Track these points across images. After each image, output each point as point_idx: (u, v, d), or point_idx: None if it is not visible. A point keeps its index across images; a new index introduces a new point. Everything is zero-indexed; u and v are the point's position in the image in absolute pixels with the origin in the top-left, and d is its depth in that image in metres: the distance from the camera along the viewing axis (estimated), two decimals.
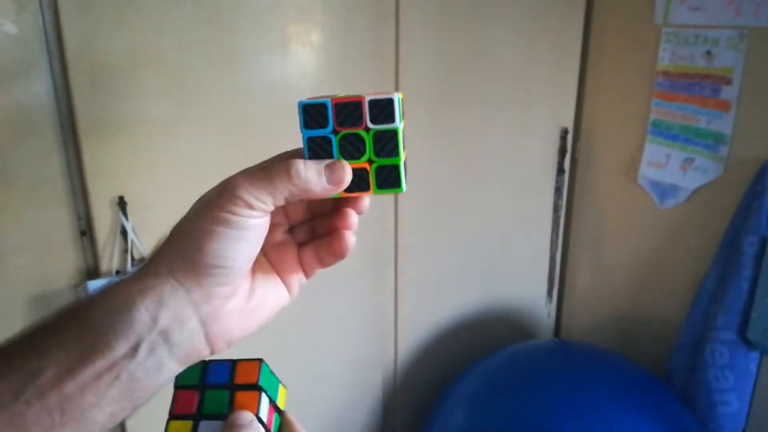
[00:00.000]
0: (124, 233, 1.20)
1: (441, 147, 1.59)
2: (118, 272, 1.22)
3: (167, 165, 1.23)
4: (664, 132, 1.59)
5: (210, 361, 0.41)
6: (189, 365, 0.38)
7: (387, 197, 1.54)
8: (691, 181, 1.56)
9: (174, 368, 0.37)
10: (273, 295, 0.42)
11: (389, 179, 0.39)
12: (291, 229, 0.45)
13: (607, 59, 1.70)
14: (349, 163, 0.39)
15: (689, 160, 1.55)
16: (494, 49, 1.59)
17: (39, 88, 1.11)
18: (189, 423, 0.40)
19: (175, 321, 0.36)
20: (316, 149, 0.38)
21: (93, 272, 1.22)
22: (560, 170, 1.80)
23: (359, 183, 0.39)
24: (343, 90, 1.48)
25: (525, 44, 1.62)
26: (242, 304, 0.40)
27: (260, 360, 0.41)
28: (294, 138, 1.40)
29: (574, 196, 1.86)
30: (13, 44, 1.07)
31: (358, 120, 0.38)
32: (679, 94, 1.54)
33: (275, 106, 1.32)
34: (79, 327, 0.35)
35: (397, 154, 0.38)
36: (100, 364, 0.34)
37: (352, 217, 0.43)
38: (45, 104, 1.12)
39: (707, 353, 1.46)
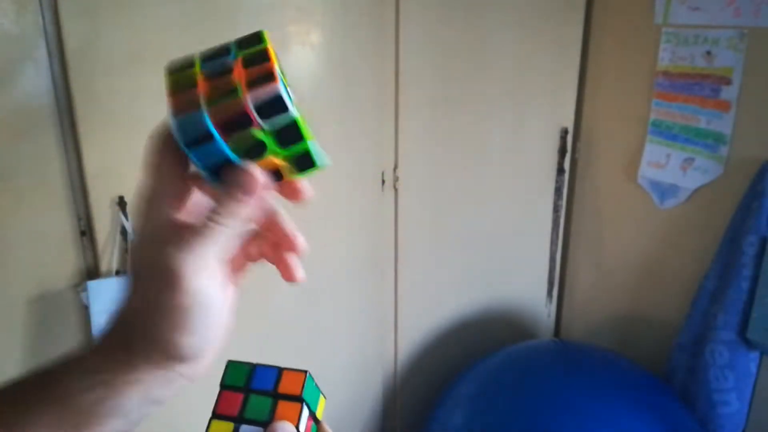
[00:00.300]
0: (124, 233, 1.20)
1: (441, 147, 1.59)
2: (118, 272, 1.22)
3: None
4: (664, 132, 1.59)
5: (257, 364, 0.41)
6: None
7: (388, 197, 1.54)
8: (691, 181, 1.56)
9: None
10: (229, 306, 0.40)
11: (304, 164, 0.36)
12: None
13: (607, 59, 1.70)
14: (255, 162, 0.35)
15: (689, 160, 1.55)
16: (494, 49, 1.59)
17: (39, 88, 1.10)
18: (230, 425, 0.40)
19: (164, 393, 0.36)
20: (215, 169, 0.34)
21: (93, 272, 1.22)
22: (560, 170, 1.80)
23: (274, 176, 0.36)
24: (343, 89, 1.46)
25: (525, 44, 1.62)
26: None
27: (306, 372, 0.41)
28: None
29: (574, 196, 1.86)
30: (13, 44, 1.07)
31: (247, 125, 0.34)
32: (679, 94, 1.54)
33: None
34: (60, 409, 0.33)
35: (302, 140, 0.35)
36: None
37: (292, 239, 0.40)
38: (45, 104, 1.12)
39: (707, 353, 1.46)
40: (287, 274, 0.40)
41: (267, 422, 0.39)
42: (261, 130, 0.34)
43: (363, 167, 1.50)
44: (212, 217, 0.34)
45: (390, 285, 1.63)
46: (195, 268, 0.33)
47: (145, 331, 0.34)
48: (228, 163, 0.34)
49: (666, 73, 1.56)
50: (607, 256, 1.83)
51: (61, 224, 1.18)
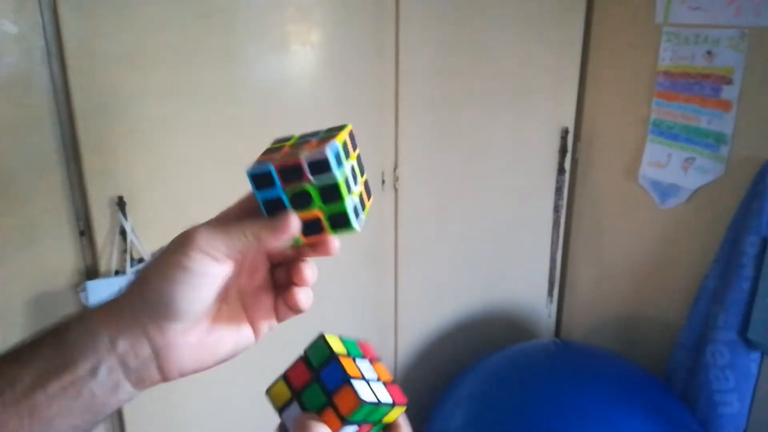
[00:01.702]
0: (123, 233, 1.20)
1: (441, 147, 1.59)
2: (117, 272, 1.22)
3: (166, 165, 1.23)
4: (665, 132, 1.59)
5: (337, 354, 0.43)
6: (147, 387, 0.42)
7: (388, 197, 1.54)
8: (692, 180, 1.56)
9: (130, 390, 0.41)
10: (233, 336, 0.45)
11: (340, 222, 0.42)
12: (274, 270, 0.48)
13: (607, 59, 1.70)
14: (302, 213, 0.42)
15: (690, 160, 1.55)
16: (495, 49, 1.58)
17: (38, 87, 1.10)
18: (288, 395, 0.43)
19: (131, 349, 0.40)
20: (271, 207, 0.42)
21: (92, 272, 1.22)
22: (561, 170, 1.80)
23: (315, 228, 0.43)
24: (343, 89, 1.46)
25: (525, 44, 1.62)
26: (197, 341, 0.42)
27: (361, 401, 0.41)
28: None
29: (575, 196, 1.86)
30: (12, 44, 1.07)
31: (300, 177, 0.41)
32: (679, 94, 1.54)
33: (275, 106, 1.32)
34: (55, 344, 0.40)
35: (341, 201, 0.42)
36: (66, 379, 0.39)
37: (306, 271, 0.46)
38: (44, 104, 1.11)
39: (708, 353, 1.46)
40: (292, 302, 0.46)
41: (312, 415, 0.41)
42: (310, 184, 0.41)
43: None
44: (244, 226, 0.41)
45: (390, 285, 1.63)
46: (206, 242, 0.40)
47: (143, 277, 0.41)
48: (280, 204, 0.42)
49: (667, 73, 1.56)
50: (607, 256, 1.83)
51: (60, 224, 1.18)
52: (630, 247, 1.76)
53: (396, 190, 1.54)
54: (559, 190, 1.82)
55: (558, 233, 1.87)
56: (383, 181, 1.52)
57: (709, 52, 1.47)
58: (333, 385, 0.42)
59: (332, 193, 0.41)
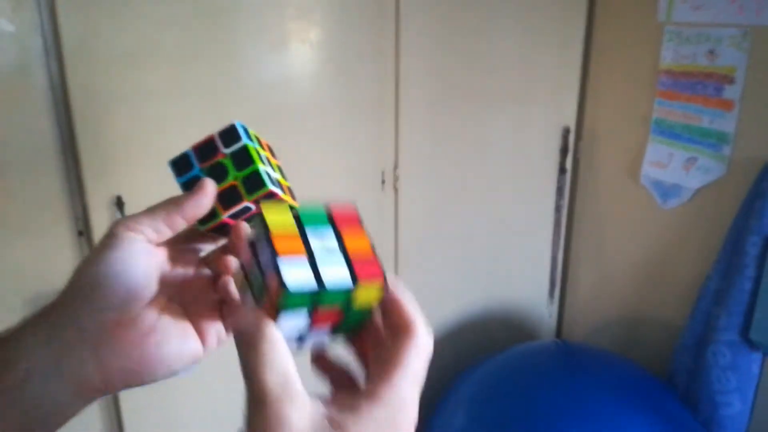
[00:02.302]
0: None
1: (442, 146, 1.59)
2: None
3: (165, 164, 1.22)
4: (667, 131, 1.58)
5: (270, 232, 0.36)
6: (85, 399, 0.39)
7: (388, 197, 1.53)
8: (694, 180, 1.55)
9: (69, 400, 0.38)
10: (178, 341, 0.41)
11: (255, 184, 0.44)
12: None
13: (609, 58, 1.69)
14: (220, 186, 0.44)
15: (692, 160, 1.54)
16: (495, 48, 1.58)
17: (36, 86, 1.10)
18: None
19: (66, 348, 0.37)
20: (190, 186, 0.45)
21: None
22: (562, 170, 1.79)
23: (233, 197, 0.44)
24: (343, 89, 1.46)
25: (526, 43, 1.61)
26: (137, 339, 0.39)
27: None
28: (291, 137, 1.39)
29: (576, 195, 1.85)
30: (10, 42, 1.06)
31: (215, 152, 0.46)
32: (681, 93, 1.54)
33: (274, 105, 1.32)
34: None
35: (253, 163, 0.45)
36: None
37: (228, 258, 0.44)
38: (42, 103, 1.11)
39: (709, 354, 1.46)
40: (223, 292, 0.44)
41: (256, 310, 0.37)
42: (224, 157, 0.46)
43: (363, 167, 1.49)
44: (165, 201, 0.43)
45: None
46: (131, 220, 0.41)
47: (75, 273, 0.40)
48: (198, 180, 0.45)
49: (668, 72, 1.55)
50: (609, 256, 1.82)
51: (58, 224, 1.17)
52: (631, 248, 1.75)
53: (396, 190, 1.54)
54: (560, 190, 1.81)
55: (559, 233, 1.86)
56: (383, 181, 1.51)
57: (711, 52, 1.46)
58: (266, 265, 0.35)
59: (243, 158, 0.45)
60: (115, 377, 0.39)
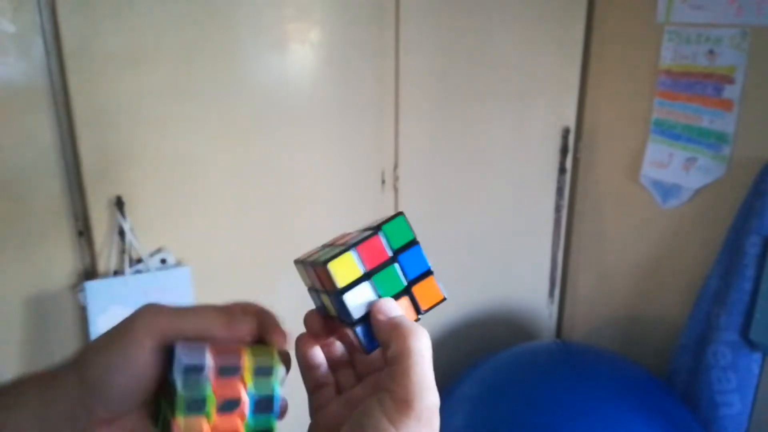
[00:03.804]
0: (121, 233, 1.19)
1: (441, 146, 1.59)
2: (116, 272, 1.21)
3: (165, 164, 1.22)
4: (667, 131, 1.58)
5: (418, 243, 0.40)
6: None
7: (388, 197, 1.53)
8: (694, 180, 1.55)
9: None
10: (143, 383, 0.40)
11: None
12: None
13: (609, 58, 1.69)
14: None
15: (692, 160, 1.54)
16: (495, 48, 1.58)
17: (36, 86, 1.10)
18: (358, 272, 0.38)
19: (54, 428, 0.37)
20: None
21: (91, 273, 1.22)
22: (562, 170, 1.79)
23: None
24: (343, 89, 1.44)
25: (526, 43, 1.61)
26: None
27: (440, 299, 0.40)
28: (291, 138, 1.39)
29: (576, 195, 1.85)
30: (10, 43, 1.06)
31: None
32: (681, 93, 1.54)
33: (274, 105, 1.32)
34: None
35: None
36: None
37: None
38: (42, 104, 1.11)
39: (709, 354, 1.46)
40: None
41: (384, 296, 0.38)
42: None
43: (363, 167, 1.49)
44: (199, 318, 0.39)
45: None
46: (151, 325, 0.37)
47: (97, 340, 0.38)
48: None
49: (668, 72, 1.55)
50: (608, 256, 1.82)
51: (58, 224, 1.17)
52: (631, 248, 1.75)
53: (396, 190, 1.54)
54: (560, 190, 1.81)
55: (559, 233, 1.86)
56: (383, 181, 1.51)
57: (710, 52, 1.47)
58: (414, 272, 0.38)
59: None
60: None
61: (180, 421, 0.35)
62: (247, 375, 0.37)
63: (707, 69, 1.48)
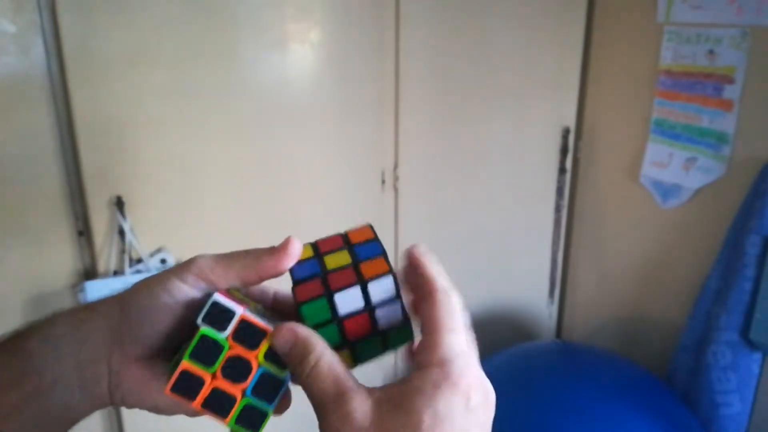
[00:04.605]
0: (121, 233, 1.19)
1: (442, 147, 1.59)
2: (116, 272, 1.21)
3: (165, 164, 1.22)
4: (667, 131, 1.58)
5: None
6: (98, 408, 0.39)
7: (388, 197, 1.53)
8: (694, 180, 1.55)
9: (83, 409, 0.38)
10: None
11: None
12: None
13: (609, 58, 1.69)
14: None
15: (692, 160, 1.54)
16: (495, 48, 1.58)
17: (37, 86, 1.10)
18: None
19: (90, 364, 0.37)
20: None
21: (91, 272, 1.22)
22: (562, 170, 1.79)
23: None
24: (343, 89, 1.45)
25: (526, 43, 1.61)
26: (147, 378, 0.39)
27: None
28: (292, 138, 1.39)
29: (576, 195, 1.85)
30: (11, 43, 1.07)
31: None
32: (681, 93, 1.54)
33: (274, 105, 1.32)
34: (12, 355, 0.37)
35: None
36: (23, 392, 0.36)
37: None
38: (42, 104, 1.11)
39: (709, 354, 1.46)
40: None
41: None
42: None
43: (363, 167, 1.49)
44: (243, 254, 0.40)
45: None
46: (200, 271, 0.38)
47: (134, 286, 0.39)
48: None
49: (668, 72, 1.55)
50: (608, 256, 1.82)
51: (58, 224, 1.17)
52: (631, 248, 1.75)
53: (396, 190, 1.54)
54: (560, 190, 1.81)
55: (559, 233, 1.86)
56: (383, 181, 1.51)
57: (710, 52, 1.47)
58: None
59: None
60: (123, 401, 0.39)
61: (187, 364, 0.36)
62: (263, 350, 0.37)
63: (707, 69, 1.48)
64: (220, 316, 0.36)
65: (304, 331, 0.36)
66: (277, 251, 0.39)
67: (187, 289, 0.38)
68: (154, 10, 1.15)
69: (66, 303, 1.21)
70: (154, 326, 0.38)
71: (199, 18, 1.20)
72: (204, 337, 0.36)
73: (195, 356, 0.36)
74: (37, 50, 1.09)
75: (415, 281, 0.40)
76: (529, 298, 1.90)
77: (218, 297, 0.36)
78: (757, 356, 1.42)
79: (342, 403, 0.34)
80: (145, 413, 0.41)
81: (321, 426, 0.34)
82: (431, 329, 0.36)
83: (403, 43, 1.43)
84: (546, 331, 1.96)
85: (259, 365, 0.37)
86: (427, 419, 0.33)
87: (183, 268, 0.38)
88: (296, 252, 0.39)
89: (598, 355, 1.60)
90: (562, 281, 1.94)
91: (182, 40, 1.19)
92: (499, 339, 1.79)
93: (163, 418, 0.42)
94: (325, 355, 0.36)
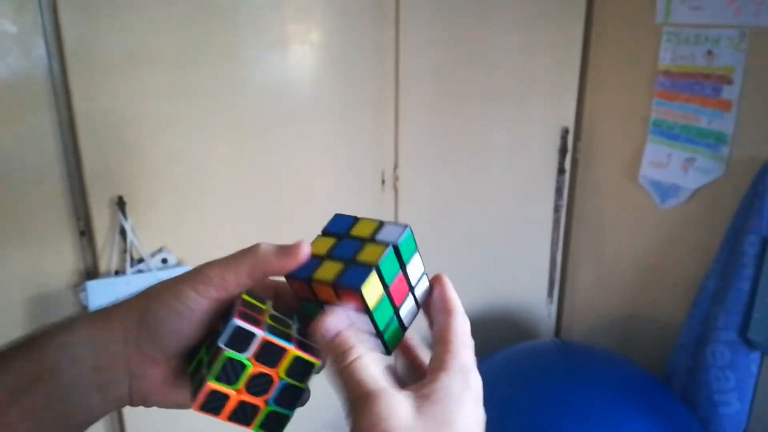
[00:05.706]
0: (123, 233, 1.20)
1: (441, 146, 1.59)
2: (117, 272, 1.22)
3: (166, 164, 1.23)
4: (665, 132, 1.59)
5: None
6: (114, 408, 0.40)
7: (388, 197, 1.54)
8: (692, 181, 1.55)
9: (102, 409, 0.39)
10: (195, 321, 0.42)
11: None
12: None
13: (607, 59, 1.70)
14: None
15: (690, 160, 1.55)
16: (495, 49, 1.58)
17: (38, 87, 1.10)
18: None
19: (110, 367, 0.39)
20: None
21: (92, 272, 1.22)
22: (561, 170, 1.79)
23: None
24: (343, 89, 1.45)
25: (525, 44, 1.62)
26: (167, 378, 0.41)
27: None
28: (292, 138, 1.39)
29: (575, 196, 1.86)
30: (12, 44, 1.07)
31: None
32: (680, 94, 1.54)
33: (274, 105, 1.32)
34: (32, 355, 0.38)
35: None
36: (42, 392, 0.37)
37: None
38: (44, 104, 1.11)
39: (708, 354, 1.46)
40: None
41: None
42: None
43: (363, 167, 1.49)
44: (250, 254, 0.41)
45: None
46: (210, 279, 0.40)
47: (147, 292, 0.40)
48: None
49: (667, 73, 1.55)
50: (607, 256, 1.82)
51: (60, 224, 1.18)
52: (630, 248, 1.76)
53: (396, 190, 1.54)
54: (559, 190, 1.82)
55: (558, 233, 1.86)
56: (383, 181, 1.52)
57: (709, 52, 1.47)
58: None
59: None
60: (139, 401, 0.41)
61: (212, 385, 0.37)
62: (284, 366, 0.39)
63: (706, 69, 1.48)
64: (241, 340, 0.38)
65: (348, 322, 0.39)
66: (285, 254, 0.40)
67: (200, 299, 0.39)
68: (156, 10, 1.15)
69: (67, 303, 1.21)
70: (172, 333, 0.39)
71: (200, 19, 1.20)
72: (228, 360, 0.38)
73: (220, 378, 0.38)
74: (39, 51, 1.09)
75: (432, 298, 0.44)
76: (528, 298, 1.91)
77: (239, 322, 0.37)
78: (756, 355, 1.43)
79: (383, 398, 0.35)
80: (145, 413, 0.41)
81: (355, 420, 0.35)
82: (451, 339, 0.40)
83: (403, 43, 1.44)
84: (545, 330, 1.96)
85: (281, 379, 0.39)
86: (457, 419, 0.38)
87: (195, 278, 0.39)
88: (305, 257, 0.40)
89: (597, 354, 1.60)
90: (561, 281, 1.94)
91: (183, 40, 1.19)
92: (498, 338, 1.80)
93: (163, 418, 0.43)
94: (369, 351, 0.38)
